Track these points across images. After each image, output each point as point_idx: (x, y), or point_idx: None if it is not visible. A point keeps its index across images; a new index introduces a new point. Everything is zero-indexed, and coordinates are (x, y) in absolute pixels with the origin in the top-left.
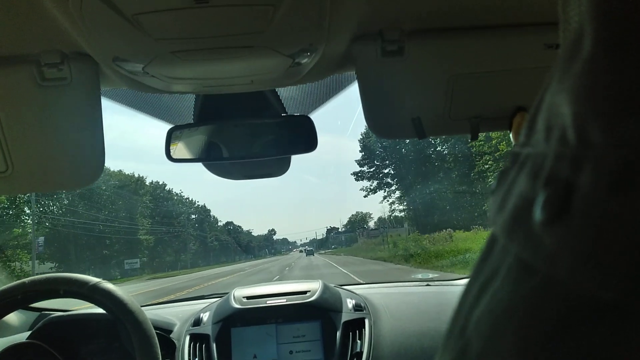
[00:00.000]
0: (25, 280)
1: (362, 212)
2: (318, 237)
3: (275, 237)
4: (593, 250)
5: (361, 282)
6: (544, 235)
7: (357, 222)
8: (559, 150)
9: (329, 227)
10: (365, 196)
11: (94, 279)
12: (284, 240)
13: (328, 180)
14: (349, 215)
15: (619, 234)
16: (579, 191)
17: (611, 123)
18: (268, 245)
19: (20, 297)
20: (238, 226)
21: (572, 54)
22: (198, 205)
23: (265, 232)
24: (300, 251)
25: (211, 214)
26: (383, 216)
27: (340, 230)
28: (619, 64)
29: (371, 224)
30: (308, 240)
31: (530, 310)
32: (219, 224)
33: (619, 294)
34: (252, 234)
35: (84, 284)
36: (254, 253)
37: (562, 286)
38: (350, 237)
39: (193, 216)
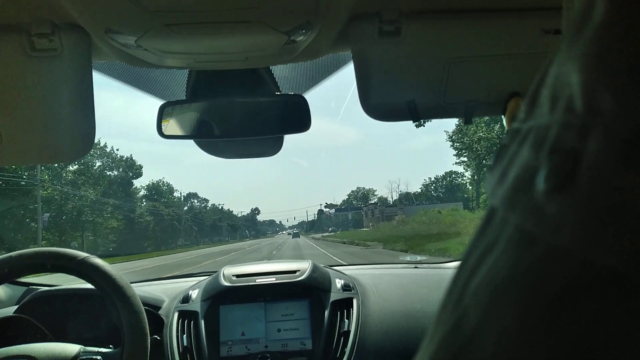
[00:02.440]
0: (12, 254)
1: (364, 188)
2: (309, 219)
3: (260, 218)
4: (599, 220)
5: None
6: (548, 204)
7: (359, 199)
8: (566, 119)
9: (325, 204)
10: (418, 125)
11: (82, 254)
12: (271, 221)
13: (319, 160)
14: (348, 192)
15: (627, 204)
16: (585, 160)
17: (623, 90)
18: (249, 226)
19: (7, 271)
20: (203, 199)
21: (582, 21)
22: (117, 155)
23: (248, 211)
24: (289, 234)
25: (166, 181)
26: (388, 195)
27: (341, 207)
28: (635, 28)
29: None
30: (297, 222)
31: (531, 279)
32: (175, 194)
33: (624, 264)
34: (233, 212)
35: (72, 258)
36: (226, 235)
37: (566, 255)
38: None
39: (111, 173)
